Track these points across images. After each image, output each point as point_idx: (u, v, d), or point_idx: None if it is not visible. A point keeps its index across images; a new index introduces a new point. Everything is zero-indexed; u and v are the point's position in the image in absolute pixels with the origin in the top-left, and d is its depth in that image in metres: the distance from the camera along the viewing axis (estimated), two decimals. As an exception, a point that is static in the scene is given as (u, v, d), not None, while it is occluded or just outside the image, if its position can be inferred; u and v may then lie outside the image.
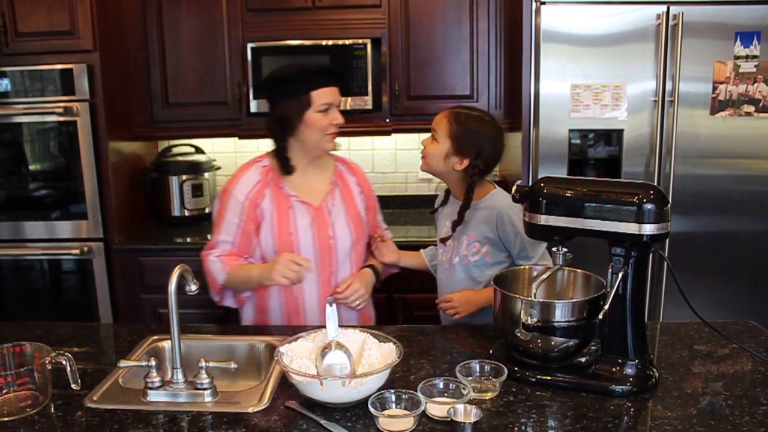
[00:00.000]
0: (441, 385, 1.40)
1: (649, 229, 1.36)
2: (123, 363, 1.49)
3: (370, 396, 1.34)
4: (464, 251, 1.92)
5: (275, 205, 1.94)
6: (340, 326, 1.50)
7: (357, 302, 1.94)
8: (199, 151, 3.38)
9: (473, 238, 1.89)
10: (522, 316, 1.45)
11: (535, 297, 1.52)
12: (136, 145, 3.21)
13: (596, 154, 2.77)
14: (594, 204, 1.41)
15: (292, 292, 1.93)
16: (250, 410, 1.39)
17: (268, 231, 1.93)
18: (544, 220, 1.47)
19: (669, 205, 1.39)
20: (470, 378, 1.45)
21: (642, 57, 2.64)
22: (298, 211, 1.94)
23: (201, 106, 3.14)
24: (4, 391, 1.41)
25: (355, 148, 3.41)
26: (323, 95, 1.87)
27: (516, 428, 1.30)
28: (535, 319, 1.44)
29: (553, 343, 1.47)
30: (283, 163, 1.96)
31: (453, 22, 3.04)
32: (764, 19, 2.60)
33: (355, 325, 1.66)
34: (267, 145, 3.61)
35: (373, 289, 2.04)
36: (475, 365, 1.49)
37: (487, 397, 1.42)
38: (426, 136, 3.54)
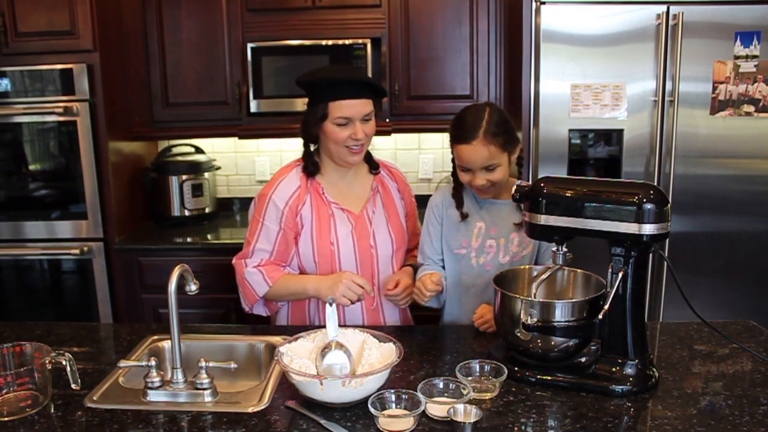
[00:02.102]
0: (441, 385, 1.40)
1: (649, 229, 1.36)
2: (123, 363, 1.49)
3: (370, 396, 1.34)
4: (515, 248, 1.86)
5: (315, 212, 1.86)
6: (340, 326, 1.51)
7: (406, 300, 1.87)
8: (199, 151, 3.38)
9: (523, 233, 1.78)
10: (522, 316, 1.45)
11: (535, 297, 1.52)
12: (136, 145, 3.21)
13: (596, 154, 2.77)
14: (594, 204, 1.41)
15: None
16: (250, 410, 1.39)
17: (308, 239, 1.86)
18: (544, 220, 1.47)
19: (669, 205, 1.39)
20: (470, 378, 1.45)
21: (642, 57, 2.64)
22: (338, 219, 1.87)
23: (201, 106, 3.13)
24: (4, 391, 1.41)
25: (355, 148, 3.41)
26: (341, 108, 1.76)
27: (516, 428, 1.30)
28: (535, 319, 1.44)
29: (553, 343, 1.47)
30: (307, 164, 1.89)
31: (453, 22, 3.04)
32: (764, 19, 2.60)
33: (356, 325, 1.66)
34: (267, 144, 3.61)
35: None
36: (475, 365, 1.49)
37: (487, 397, 1.42)
38: (426, 136, 3.52)
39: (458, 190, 1.90)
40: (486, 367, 1.49)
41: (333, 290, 1.73)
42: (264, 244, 1.87)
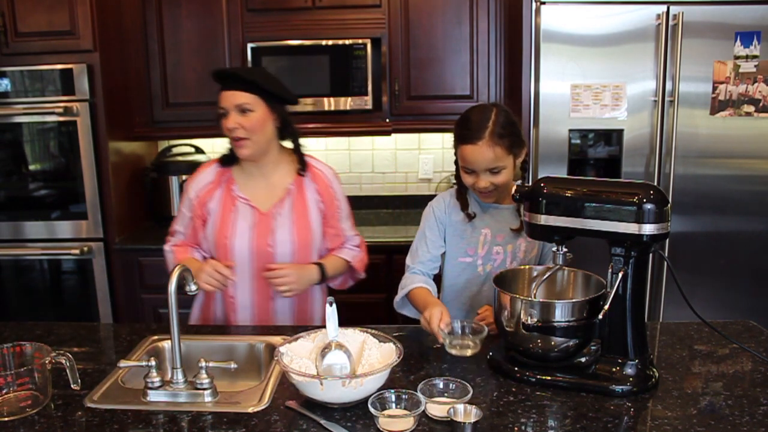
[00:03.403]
0: (441, 385, 1.40)
1: (649, 229, 1.36)
2: (123, 363, 1.49)
3: (370, 396, 1.34)
4: (522, 254, 1.84)
5: (221, 206, 1.97)
6: (340, 326, 1.51)
7: (282, 288, 1.87)
8: (199, 151, 3.38)
9: (527, 237, 1.75)
10: (522, 316, 1.45)
11: (535, 297, 1.52)
12: (136, 145, 3.21)
13: (596, 154, 2.77)
14: (594, 204, 1.41)
15: (228, 293, 1.97)
16: (250, 410, 1.39)
17: (210, 231, 1.98)
18: (544, 220, 1.47)
19: (669, 205, 1.39)
20: (452, 336, 1.59)
21: (642, 57, 2.64)
22: (240, 214, 1.95)
23: (201, 106, 3.13)
24: (4, 391, 1.41)
25: (355, 148, 3.40)
26: (220, 99, 1.90)
27: (516, 428, 1.30)
28: (535, 319, 1.44)
29: (553, 343, 1.47)
30: (223, 156, 2.01)
31: (453, 22, 3.04)
32: (764, 19, 2.60)
33: (355, 326, 1.66)
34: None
35: (333, 290, 2.04)
36: (457, 326, 1.63)
37: (469, 354, 1.54)
38: (426, 136, 3.52)
39: (462, 193, 1.86)
40: (467, 327, 1.63)
41: (198, 276, 1.82)
42: (180, 227, 2.08)
